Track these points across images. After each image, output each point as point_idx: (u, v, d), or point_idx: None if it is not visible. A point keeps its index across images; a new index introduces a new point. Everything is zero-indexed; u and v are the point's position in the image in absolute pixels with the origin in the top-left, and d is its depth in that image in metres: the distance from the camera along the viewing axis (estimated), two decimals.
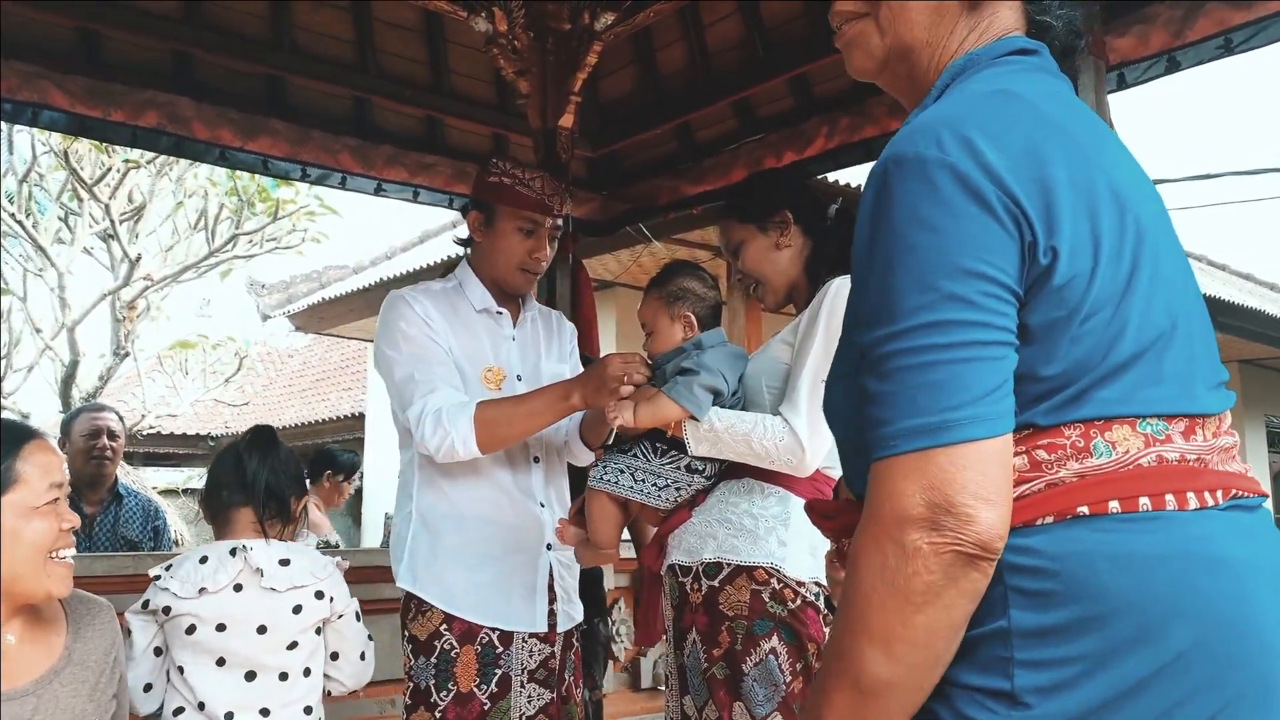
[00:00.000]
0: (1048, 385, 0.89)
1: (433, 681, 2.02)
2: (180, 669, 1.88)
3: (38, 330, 8.36)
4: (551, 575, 2.15)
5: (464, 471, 2.07)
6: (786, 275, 2.04)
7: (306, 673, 1.95)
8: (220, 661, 1.88)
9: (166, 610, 1.87)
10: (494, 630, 2.05)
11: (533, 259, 2.19)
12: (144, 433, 9.94)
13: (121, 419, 3.75)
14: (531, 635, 2.10)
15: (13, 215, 7.76)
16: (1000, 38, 1.01)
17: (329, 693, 2.05)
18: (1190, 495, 0.88)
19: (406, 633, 2.09)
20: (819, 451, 1.77)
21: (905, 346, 0.86)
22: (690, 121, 4.12)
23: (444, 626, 2.04)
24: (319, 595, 1.96)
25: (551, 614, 2.13)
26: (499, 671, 2.04)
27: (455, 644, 2.03)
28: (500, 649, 2.05)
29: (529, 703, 2.07)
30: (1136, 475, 0.88)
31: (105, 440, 3.52)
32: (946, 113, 0.92)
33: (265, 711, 1.89)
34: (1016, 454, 0.89)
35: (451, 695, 2.01)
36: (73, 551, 1.59)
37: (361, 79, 3.71)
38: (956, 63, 1.00)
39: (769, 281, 2.05)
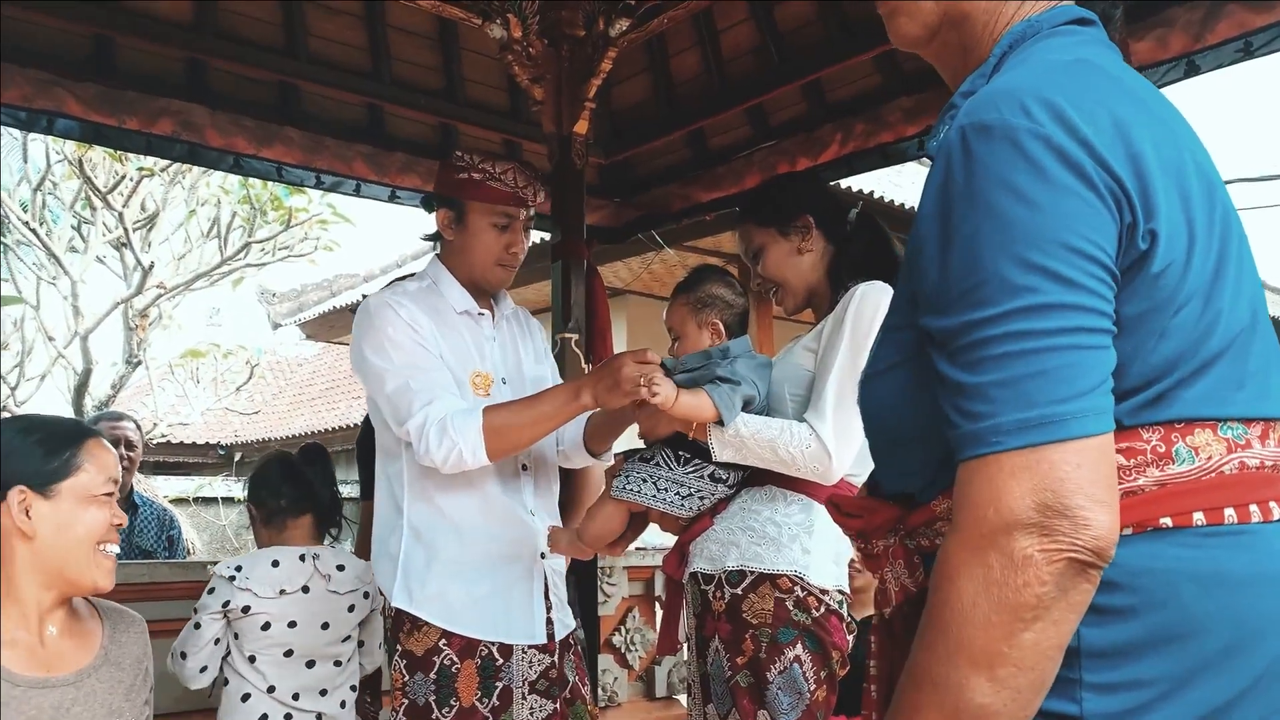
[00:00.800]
0: (1132, 382, 0.82)
1: (433, 698, 1.96)
2: (251, 658, 2.15)
3: (50, 338, 8.38)
4: (546, 583, 2.10)
5: (455, 482, 2.01)
6: (807, 280, 2.02)
7: (350, 658, 2.28)
8: (288, 653, 2.16)
9: (246, 609, 2.13)
10: (494, 643, 2.00)
11: (509, 254, 2.12)
12: (155, 441, 9.95)
13: (139, 428, 3.74)
14: (531, 646, 2.04)
15: (26, 223, 7.79)
16: (1057, 5, 0.95)
17: None
18: (1273, 505, 0.83)
19: (399, 648, 2.01)
20: (845, 459, 1.75)
21: (1005, 332, 0.77)
22: (704, 128, 4.11)
23: (442, 642, 1.97)
24: (365, 595, 2.29)
25: (549, 623, 2.09)
26: (500, 684, 1.99)
27: (455, 659, 1.97)
28: (500, 661, 2.00)
29: (531, 714, 2.02)
30: (1220, 484, 0.82)
31: (123, 450, 3.50)
32: (1025, 80, 0.84)
33: (324, 691, 2.21)
34: None
35: (454, 711, 1.95)
36: (116, 548, 1.65)
37: (375, 86, 3.70)
38: (1015, 28, 0.93)
39: (789, 286, 2.03)
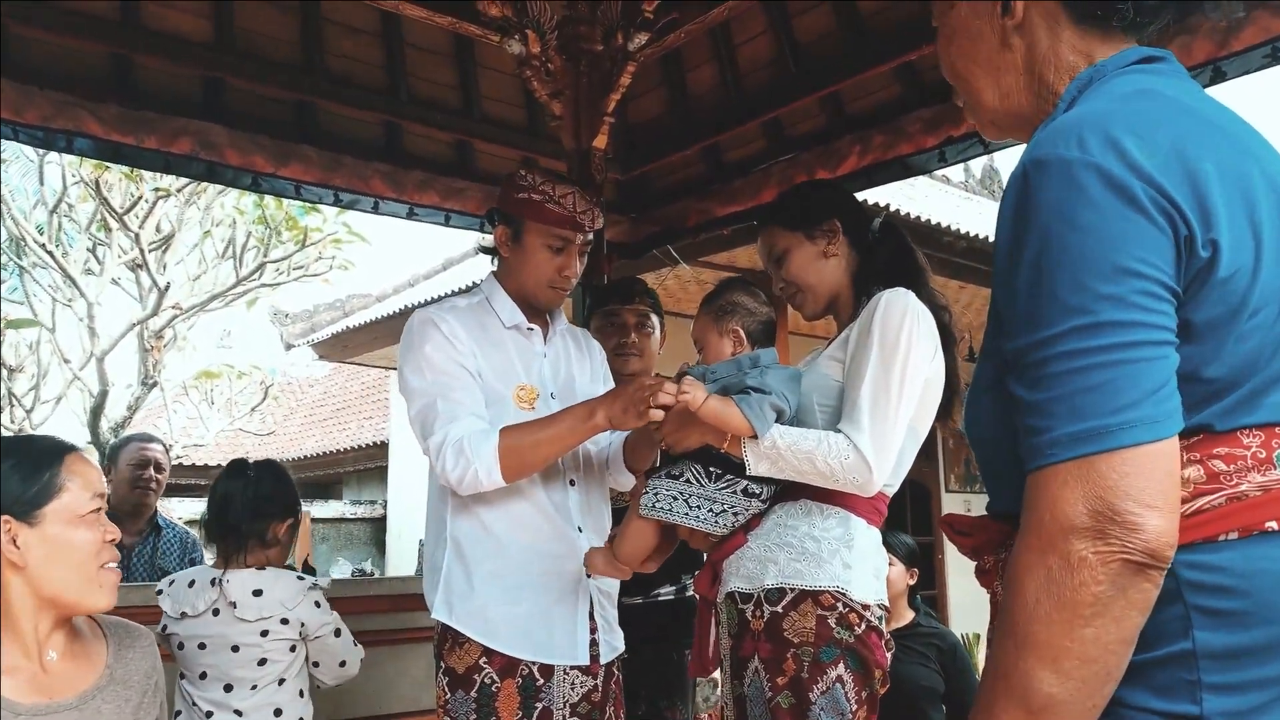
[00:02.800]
0: (1216, 386, 0.87)
1: (473, 716, 1.93)
2: (181, 675, 2.18)
3: (66, 360, 8.40)
4: (591, 604, 2.07)
5: (499, 495, 1.99)
6: (830, 286, 1.99)
7: (281, 682, 2.19)
8: (203, 675, 2.15)
9: (164, 629, 2.16)
10: (534, 663, 1.97)
11: (562, 276, 2.12)
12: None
13: (167, 451, 3.74)
14: (573, 667, 2.01)
15: (43, 245, 7.82)
16: (1123, 49, 1.00)
17: (317, 686, 2.34)
18: None
19: (442, 665, 2.00)
20: (884, 469, 1.70)
21: (1060, 351, 0.84)
22: (720, 142, 4.11)
23: (483, 659, 1.95)
24: (284, 621, 2.18)
25: (593, 644, 2.05)
26: (540, 705, 1.95)
27: (496, 677, 1.95)
28: (541, 681, 1.97)
29: None
30: None
31: (151, 471, 3.51)
32: (1087, 114, 0.91)
33: (239, 712, 2.15)
34: (1190, 463, 0.86)
35: None
36: (116, 562, 1.61)
37: (392, 104, 3.71)
38: (1082, 75, 1.00)
39: (813, 291, 2.00)
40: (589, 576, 2.06)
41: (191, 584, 2.20)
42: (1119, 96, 0.93)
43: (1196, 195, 0.84)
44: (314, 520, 11.76)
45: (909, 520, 8.60)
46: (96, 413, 8.13)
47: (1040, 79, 1.04)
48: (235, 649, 2.14)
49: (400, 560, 11.58)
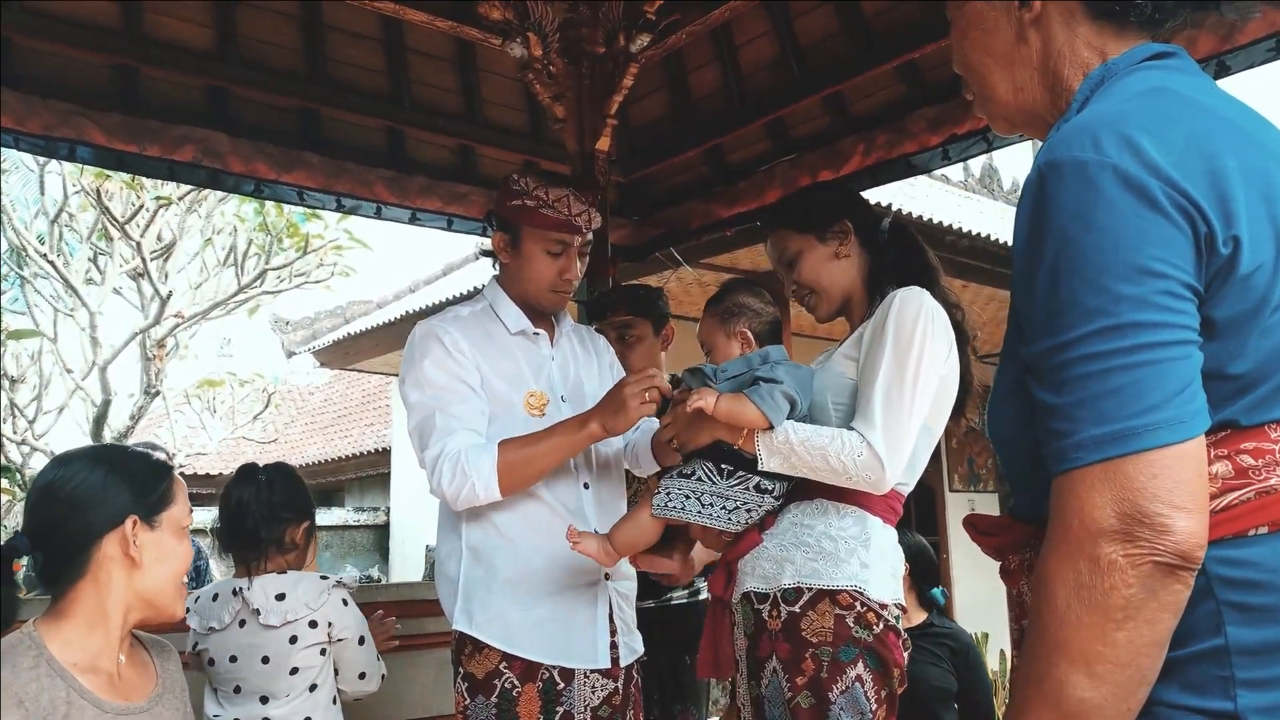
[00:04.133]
0: (1241, 382, 0.86)
1: None
2: (216, 691, 2.16)
3: (68, 370, 8.38)
4: (611, 606, 2.07)
5: (513, 502, 1.99)
6: (842, 286, 1.99)
7: (312, 688, 2.16)
8: (237, 689, 2.13)
9: (195, 646, 2.16)
10: (554, 667, 1.97)
11: (563, 279, 2.12)
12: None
13: (170, 459, 3.73)
14: (594, 671, 2.01)
15: (44, 255, 7.81)
16: (1134, 46, 1.00)
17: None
18: None
19: (461, 670, 2.00)
20: (897, 467, 1.70)
21: (1082, 354, 0.84)
22: (723, 144, 4.11)
23: (503, 664, 1.95)
24: (313, 625, 2.14)
25: (613, 647, 2.05)
26: (561, 710, 1.95)
27: (516, 682, 1.95)
28: (562, 685, 1.97)
29: None
30: None
31: None
32: (1100, 114, 0.90)
33: None
34: (1218, 459, 0.86)
35: None
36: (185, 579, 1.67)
37: (395, 110, 3.71)
38: (1094, 74, 1.00)
39: (826, 292, 2.00)
40: (607, 578, 2.06)
41: (215, 597, 2.19)
42: (1132, 95, 0.93)
43: (1215, 191, 0.84)
44: (317, 528, 11.74)
45: (914, 520, 8.60)
46: (99, 422, 8.11)
47: (1055, 74, 1.04)
48: (266, 660, 2.11)
49: (404, 567, 11.57)
